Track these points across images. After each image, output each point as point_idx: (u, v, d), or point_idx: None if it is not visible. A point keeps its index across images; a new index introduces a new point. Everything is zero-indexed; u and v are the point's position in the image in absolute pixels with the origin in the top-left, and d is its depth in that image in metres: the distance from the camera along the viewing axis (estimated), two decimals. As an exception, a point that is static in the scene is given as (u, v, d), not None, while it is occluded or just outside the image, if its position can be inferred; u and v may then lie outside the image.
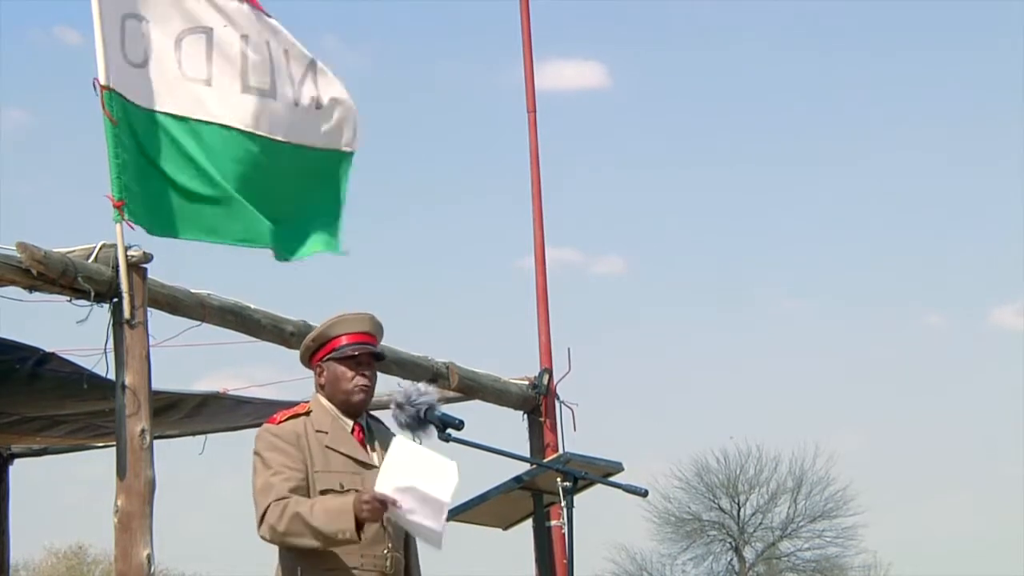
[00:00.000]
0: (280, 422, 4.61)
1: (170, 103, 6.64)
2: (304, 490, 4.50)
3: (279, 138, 7.03)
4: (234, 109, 6.85)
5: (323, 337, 4.71)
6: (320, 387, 4.72)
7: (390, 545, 4.59)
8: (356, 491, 4.51)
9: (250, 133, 6.90)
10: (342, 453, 4.60)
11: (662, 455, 42.61)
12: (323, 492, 4.51)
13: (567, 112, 40.54)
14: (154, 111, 6.58)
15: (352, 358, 4.67)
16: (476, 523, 5.44)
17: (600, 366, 38.95)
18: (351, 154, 7.42)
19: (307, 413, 4.65)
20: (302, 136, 7.18)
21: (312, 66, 7.25)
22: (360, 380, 4.67)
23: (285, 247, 7.06)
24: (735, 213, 44.67)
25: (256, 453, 4.56)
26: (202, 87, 6.78)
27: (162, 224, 6.48)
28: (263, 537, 4.48)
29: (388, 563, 4.57)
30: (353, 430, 4.67)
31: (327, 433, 4.61)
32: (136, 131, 6.41)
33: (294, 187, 7.15)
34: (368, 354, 4.70)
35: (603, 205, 45.82)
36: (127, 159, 6.29)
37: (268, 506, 4.44)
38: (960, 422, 41.54)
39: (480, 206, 43.34)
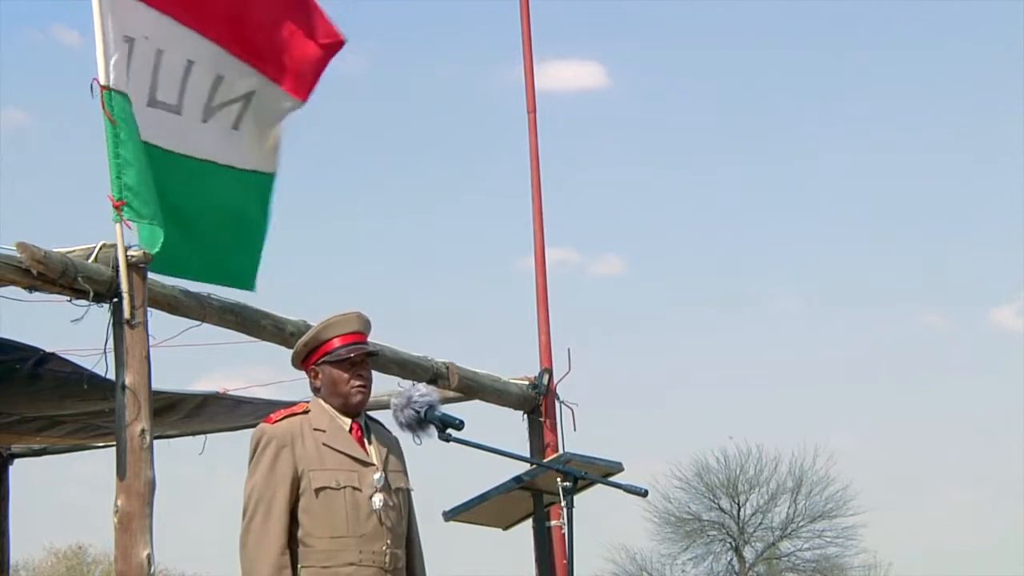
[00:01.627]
0: (276, 421, 4.64)
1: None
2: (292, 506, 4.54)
3: (218, 161, 6.97)
4: (197, 138, 6.82)
5: (315, 341, 4.73)
6: (316, 390, 4.74)
7: (389, 541, 4.62)
8: (353, 488, 4.55)
9: (210, 162, 6.90)
10: (339, 451, 4.62)
11: (662, 455, 42.63)
12: (319, 490, 4.55)
13: (566, 112, 40.60)
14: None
15: (347, 360, 4.69)
16: (476, 523, 5.45)
17: (600, 366, 39.01)
18: (265, 175, 7.29)
19: (305, 412, 4.68)
20: (230, 157, 7.07)
21: (247, 97, 7.12)
22: (357, 382, 4.69)
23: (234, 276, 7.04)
24: (734, 213, 44.74)
25: (253, 453, 4.59)
26: (172, 115, 6.73)
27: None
28: (239, 544, 4.53)
29: (387, 559, 4.59)
30: (351, 429, 4.69)
31: (325, 431, 4.64)
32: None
33: (231, 210, 7.08)
34: (363, 354, 4.72)
35: (602, 205, 45.89)
36: (128, 158, 6.28)
37: (262, 554, 4.47)
38: (960, 422, 41.61)
39: (480, 206, 43.39)
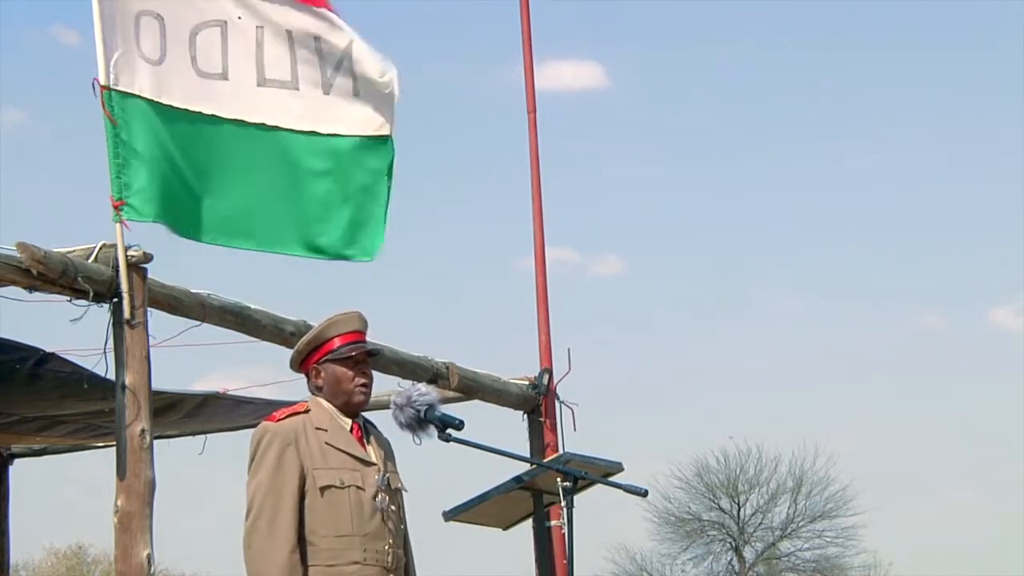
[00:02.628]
0: (279, 420, 4.63)
1: (188, 99, 6.58)
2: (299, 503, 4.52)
3: (304, 128, 6.87)
4: (252, 103, 6.77)
5: (319, 340, 4.73)
6: (317, 389, 4.74)
7: (391, 541, 4.63)
8: (357, 487, 4.55)
9: (270, 127, 6.81)
10: (341, 450, 4.63)
11: (662, 455, 42.65)
12: (323, 488, 4.54)
13: (565, 112, 40.60)
14: (173, 107, 6.53)
15: (350, 358, 4.69)
16: (476, 523, 5.45)
17: (600, 366, 38.99)
18: (387, 138, 7.08)
19: (306, 411, 4.68)
20: (333, 125, 6.95)
21: (347, 55, 6.97)
22: (361, 380, 4.70)
23: (334, 245, 6.98)
24: (734, 213, 44.74)
25: (256, 451, 4.57)
26: (219, 82, 6.74)
27: (171, 218, 6.44)
28: (244, 545, 4.49)
29: (390, 558, 4.60)
30: (352, 428, 4.70)
31: (326, 431, 4.64)
32: (152, 127, 6.38)
33: (330, 179, 6.97)
34: (364, 352, 4.72)
35: (601, 205, 45.88)
36: (128, 156, 6.27)
37: (271, 554, 4.44)
38: (959, 422, 41.58)
39: (480, 206, 43.38)
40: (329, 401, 4.70)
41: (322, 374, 4.72)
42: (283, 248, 6.87)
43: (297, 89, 6.89)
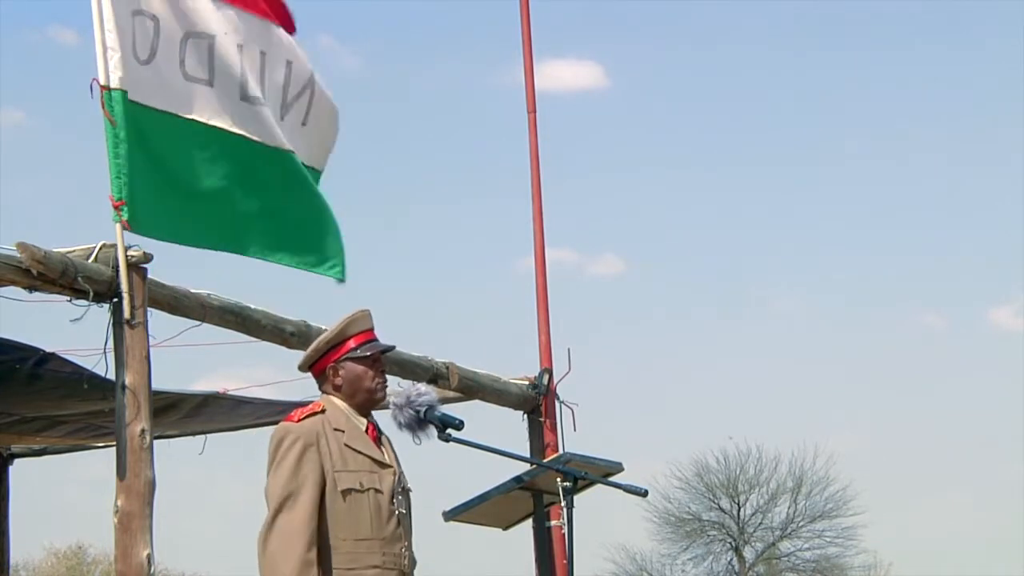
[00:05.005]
0: (300, 420, 4.60)
1: (172, 102, 6.63)
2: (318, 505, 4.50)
3: (272, 144, 7.05)
4: (233, 114, 6.88)
5: (340, 338, 4.71)
6: (336, 388, 4.70)
7: (406, 543, 4.64)
8: (375, 490, 4.55)
9: (249, 139, 6.94)
10: (360, 452, 4.61)
11: (662, 455, 42.62)
12: (344, 492, 4.52)
13: (564, 113, 40.61)
14: (157, 110, 6.56)
15: (368, 357, 4.70)
16: (476, 523, 5.45)
17: (600, 366, 38.99)
18: (319, 172, 7.53)
19: (322, 411, 4.65)
20: (291, 145, 7.19)
21: (310, 83, 7.37)
22: (380, 378, 4.72)
23: (290, 253, 7.12)
24: (733, 213, 44.72)
25: (277, 452, 4.53)
26: (203, 87, 6.80)
27: (162, 228, 6.48)
28: (259, 544, 4.46)
29: (406, 561, 4.61)
30: (367, 429, 4.69)
31: (344, 432, 4.62)
32: (142, 131, 6.40)
33: (289, 194, 7.17)
34: (382, 351, 4.74)
35: (600, 205, 45.87)
36: (126, 161, 6.27)
37: (287, 551, 4.41)
38: (959, 422, 41.58)
39: (480, 206, 43.37)
40: (346, 400, 4.68)
41: (340, 373, 4.69)
42: (248, 251, 7.00)
43: (266, 107, 7.08)
